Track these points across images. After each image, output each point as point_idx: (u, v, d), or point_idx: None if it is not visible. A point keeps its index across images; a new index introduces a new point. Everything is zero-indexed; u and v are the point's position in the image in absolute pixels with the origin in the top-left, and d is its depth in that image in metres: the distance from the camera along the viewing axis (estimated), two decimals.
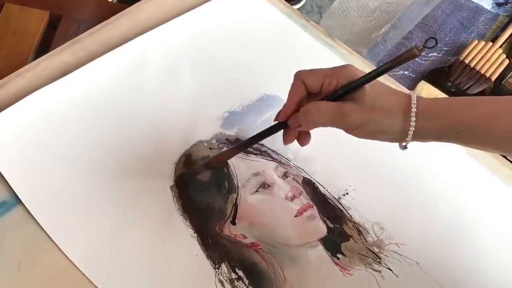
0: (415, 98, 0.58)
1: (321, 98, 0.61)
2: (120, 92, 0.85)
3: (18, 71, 0.79)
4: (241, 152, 0.78)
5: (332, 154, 0.84)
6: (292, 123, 0.61)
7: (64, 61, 0.83)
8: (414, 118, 0.58)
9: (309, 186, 0.79)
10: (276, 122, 0.65)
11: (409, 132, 0.59)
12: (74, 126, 0.79)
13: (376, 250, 0.74)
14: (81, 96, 0.82)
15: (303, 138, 0.65)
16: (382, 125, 0.59)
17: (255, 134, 0.68)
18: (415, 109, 0.57)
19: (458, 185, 0.85)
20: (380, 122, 0.59)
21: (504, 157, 0.87)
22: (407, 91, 0.61)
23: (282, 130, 0.66)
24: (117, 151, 0.78)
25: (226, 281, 0.68)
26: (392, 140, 0.61)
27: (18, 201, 0.70)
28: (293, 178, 0.78)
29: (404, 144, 0.60)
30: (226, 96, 0.85)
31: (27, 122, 0.77)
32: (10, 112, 0.77)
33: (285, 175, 0.77)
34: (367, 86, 0.59)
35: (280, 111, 0.63)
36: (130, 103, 0.84)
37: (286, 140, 0.64)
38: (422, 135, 0.59)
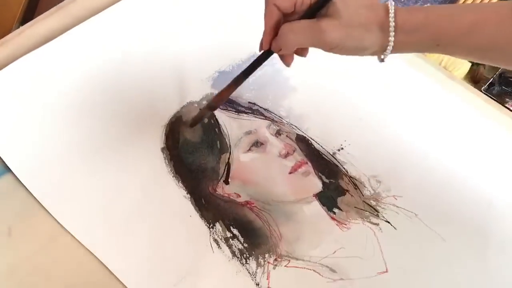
0: (393, 11, 0.56)
1: (298, 18, 0.58)
2: (108, 56, 0.83)
3: (2, 40, 0.77)
4: (232, 112, 0.76)
5: (325, 109, 0.83)
6: (274, 48, 0.60)
7: (49, 28, 0.81)
8: (393, 33, 0.56)
9: (303, 142, 0.77)
10: (262, 51, 0.63)
11: (388, 46, 0.57)
12: (61, 91, 0.78)
13: (373, 203, 0.73)
14: (68, 61, 0.81)
15: (287, 58, 0.64)
16: (360, 40, 0.57)
17: (245, 67, 0.66)
18: (394, 23, 0.56)
19: (454, 132, 0.84)
20: (359, 38, 0.57)
21: None
22: (383, 1, 0.58)
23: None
24: (106, 115, 0.77)
25: (221, 240, 0.67)
26: (372, 54, 0.60)
27: (7, 169, 0.68)
28: (287, 136, 0.77)
29: (382, 57, 0.58)
30: (216, 57, 0.83)
31: (13, 89, 0.76)
32: None
33: (278, 133, 0.76)
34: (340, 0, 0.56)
35: (261, 40, 0.62)
36: (118, 66, 0.82)
37: (285, 63, 0.65)
38: (401, 48, 0.58)
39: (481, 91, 0.90)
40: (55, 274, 0.63)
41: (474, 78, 0.92)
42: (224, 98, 0.70)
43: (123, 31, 0.85)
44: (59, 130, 0.74)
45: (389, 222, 0.71)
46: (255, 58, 0.65)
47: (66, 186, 0.69)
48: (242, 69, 0.67)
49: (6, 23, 0.83)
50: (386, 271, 0.68)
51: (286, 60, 0.62)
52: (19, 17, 0.85)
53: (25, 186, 0.68)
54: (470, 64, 0.93)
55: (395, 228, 0.71)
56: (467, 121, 0.86)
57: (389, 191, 0.74)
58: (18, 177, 0.68)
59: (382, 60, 0.59)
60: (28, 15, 0.85)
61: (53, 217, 0.66)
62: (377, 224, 0.71)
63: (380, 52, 0.59)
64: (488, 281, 0.70)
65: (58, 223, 0.66)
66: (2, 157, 0.69)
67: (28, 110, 0.74)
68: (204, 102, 0.78)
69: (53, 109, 0.75)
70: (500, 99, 0.87)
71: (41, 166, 0.70)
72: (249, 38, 0.77)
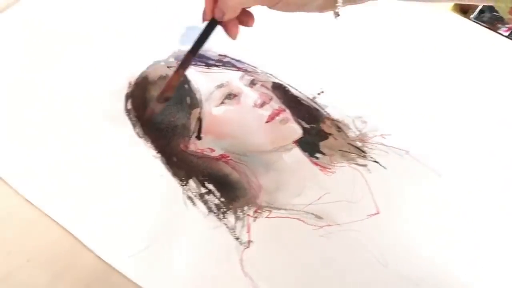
0: None
1: None
2: (65, 16, 0.81)
3: None
4: (202, 66, 0.72)
5: (303, 53, 0.79)
6: (217, 15, 0.54)
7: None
8: None
9: (280, 90, 0.73)
10: (206, 22, 0.58)
11: None
12: (19, 68, 0.75)
13: (359, 144, 0.67)
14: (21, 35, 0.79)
15: (231, 29, 0.57)
16: None
17: (192, 45, 0.60)
18: None
19: (442, 62, 0.81)
20: None
21: None
22: None
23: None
24: (63, 82, 0.74)
25: (195, 196, 0.63)
26: (321, 9, 0.55)
27: None
28: (262, 85, 0.72)
29: (336, 10, 0.52)
30: (184, 12, 0.78)
31: None
32: None
33: (252, 83, 0.71)
34: None
35: (203, 10, 0.55)
36: (77, 28, 0.80)
37: (230, 34, 0.58)
38: None
39: (470, 19, 0.81)
40: (18, 247, 0.60)
41: (463, 7, 0.85)
42: (175, 85, 0.64)
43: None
44: (17, 101, 0.72)
45: (377, 162, 0.66)
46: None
47: (25, 155, 0.67)
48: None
49: None
50: (378, 213, 0.63)
51: (231, 31, 0.57)
52: None
53: None
54: None
55: (384, 167, 0.66)
56: (456, 50, 0.82)
57: (376, 131, 0.69)
58: None
59: (337, 15, 0.54)
60: None
61: (13, 189, 0.63)
62: (365, 165, 0.66)
63: (331, 5, 0.54)
64: (490, 217, 0.66)
65: (20, 195, 0.63)
66: None
67: None
68: (171, 60, 0.73)
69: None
70: (492, 25, 0.80)
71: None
72: None
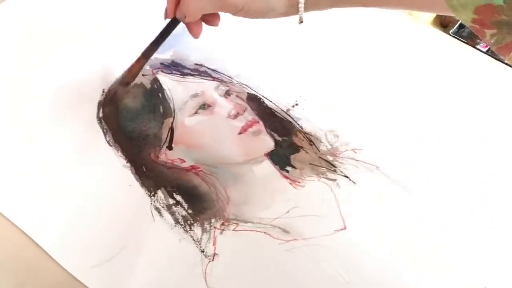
0: None
1: None
2: (39, 29, 0.81)
3: None
4: (177, 75, 0.72)
5: (278, 66, 0.79)
6: (179, 16, 0.55)
7: None
8: None
9: (254, 101, 0.72)
10: (168, 20, 0.60)
11: (300, 4, 0.53)
12: None
13: (330, 158, 0.67)
14: None
15: (194, 28, 0.57)
16: (266, 1, 0.54)
17: (155, 37, 0.63)
18: None
19: (420, 77, 0.81)
20: None
21: None
22: None
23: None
24: (34, 85, 0.75)
25: (163, 207, 0.63)
26: (283, 15, 0.56)
27: None
28: (237, 96, 0.72)
29: (300, 15, 0.52)
30: (161, 19, 0.77)
31: None
32: None
33: (227, 93, 0.71)
34: None
35: (165, 8, 0.56)
36: (52, 37, 0.80)
37: (193, 34, 0.58)
38: (314, 4, 0.54)
39: (449, 34, 0.82)
40: None
41: (443, 22, 0.86)
42: (136, 73, 0.66)
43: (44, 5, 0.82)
44: None
45: (347, 177, 0.66)
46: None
47: None
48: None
49: None
50: (344, 228, 0.62)
51: (193, 30, 0.58)
52: None
53: None
54: None
55: (354, 183, 0.66)
56: (435, 65, 0.82)
57: (347, 145, 0.69)
58: None
59: (301, 22, 0.55)
60: None
61: None
62: (334, 180, 0.66)
63: (293, 11, 0.55)
64: (457, 232, 0.66)
65: None
66: None
67: None
68: (147, 68, 0.74)
69: None
70: (471, 41, 0.80)
71: None
72: None
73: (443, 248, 0.62)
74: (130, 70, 0.64)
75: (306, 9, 0.53)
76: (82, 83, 0.74)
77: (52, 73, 0.74)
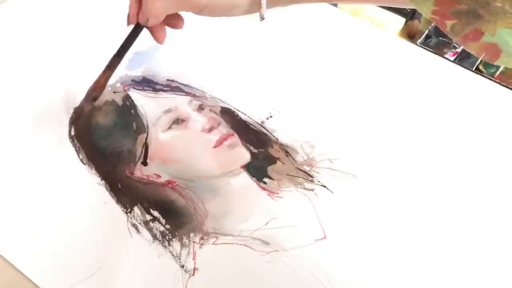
0: None
1: None
2: (6, 47, 0.81)
3: None
4: (149, 91, 0.71)
5: (251, 78, 0.79)
6: (142, 20, 0.54)
7: None
8: None
9: (228, 114, 0.72)
10: (132, 26, 0.59)
11: (262, 0, 0.53)
12: None
13: (307, 168, 0.67)
14: None
15: (158, 33, 0.58)
16: None
17: (118, 48, 0.62)
18: None
19: (390, 87, 0.82)
20: None
21: None
22: None
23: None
24: (4, 106, 0.73)
25: (140, 224, 0.61)
26: (247, 12, 0.55)
27: None
28: (210, 110, 0.71)
29: (262, 12, 0.52)
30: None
31: None
32: None
33: (200, 108, 0.70)
34: None
35: (127, 14, 0.55)
36: (18, 54, 0.80)
37: (156, 39, 0.56)
38: (276, 1, 0.54)
39: (417, 44, 0.83)
40: None
41: (410, 33, 0.87)
42: (102, 86, 0.65)
43: (23, 19, 0.84)
44: None
45: (325, 186, 0.66)
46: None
47: None
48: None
49: None
50: (324, 238, 0.62)
51: (157, 35, 0.58)
52: None
53: None
54: (404, 20, 0.87)
55: (332, 192, 0.65)
56: (403, 76, 0.83)
57: (324, 155, 0.69)
58: None
59: (262, 18, 0.55)
60: None
61: None
62: (312, 190, 0.65)
63: (254, 9, 0.55)
64: (440, 238, 0.66)
65: None
66: None
67: None
68: (118, 85, 0.72)
69: None
70: (439, 50, 0.81)
71: None
72: None
73: (425, 256, 0.61)
74: (95, 84, 0.63)
75: (268, 5, 0.53)
76: (54, 102, 0.73)
77: (23, 92, 0.75)
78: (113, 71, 0.62)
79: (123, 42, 0.60)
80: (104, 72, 0.62)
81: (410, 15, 0.89)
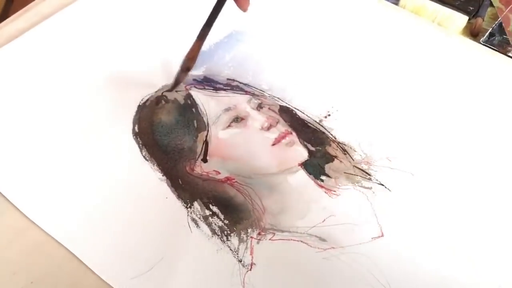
0: None
1: None
2: (75, 48, 0.83)
3: None
4: (210, 90, 0.73)
5: (310, 78, 0.80)
6: None
7: (18, 29, 0.80)
8: None
9: (287, 113, 0.73)
10: None
11: None
12: (27, 88, 0.77)
13: (365, 167, 0.67)
14: (34, 56, 0.81)
15: (242, 1, 0.62)
16: None
17: (207, 17, 0.66)
18: None
19: (452, 86, 0.80)
20: None
21: None
22: None
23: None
24: (73, 107, 0.76)
25: (199, 218, 0.63)
26: None
27: None
28: (269, 108, 0.72)
29: None
30: (192, 38, 0.79)
31: None
32: None
33: (259, 106, 0.72)
34: None
35: None
36: (86, 56, 0.82)
37: (241, 7, 0.62)
38: None
39: (480, 43, 0.81)
40: (23, 269, 0.60)
41: (473, 31, 0.86)
42: (195, 56, 0.69)
43: (91, 22, 0.86)
44: (23, 124, 0.73)
45: (383, 185, 0.65)
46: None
47: (33, 179, 0.68)
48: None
49: None
50: (382, 236, 0.61)
51: (241, 3, 0.58)
52: None
53: None
54: (467, 18, 0.86)
55: (389, 190, 0.65)
56: (467, 74, 0.81)
57: (382, 153, 0.70)
58: None
59: None
60: (2, 20, 0.82)
61: (20, 212, 0.64)
62: (370, 188, 0.65)
63: None
64: (498, 241, 0.64)
65: (26, 218, 0.64)
66: None
67: None
68: (180, 84, 0.73)
69: (19, 103, 0.75)
70: (502, 48, 0.80)
71: (6, 161, 0.69)
72: (226, 17, 0.73)
73: (485, 256, 0.61)
74: (188, 54, 0.68)
75: None
76: (118, 100, 0.76)
77: (89, 89, 0.78)
78: (203, 40, 0.66)
79: (211, 11, 0.63)
80: (196, 42, 0.66)
81: (473, 13, 0.87)
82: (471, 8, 0.88)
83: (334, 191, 0.65)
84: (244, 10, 0.59)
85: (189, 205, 0.64)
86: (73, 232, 0.63)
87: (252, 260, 0.60)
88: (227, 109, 0.71)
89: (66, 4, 0.83)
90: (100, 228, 0.63)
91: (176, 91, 0.73)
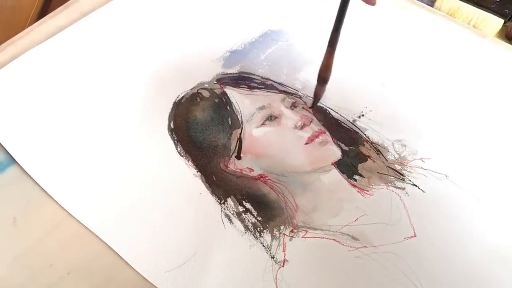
0: None
1: None
2: (114, 44, 0.84)
3: (11, 39, 0.79)
4: (245, 89, 0.75)
5: (344, 78, 0.80)
6: None
7: (58, 25, 0.82)
8: None
9: (321, 113, 0.74)
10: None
11: None
12: (67, 83, 0.79)
13: (398, 167, 0.67)
14: (75, 52, 0.82)
15: None
16: None
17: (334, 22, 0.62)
18: None
19: (488, 89, 0.80)
20: None
21: None
22: None
23: None
24: (113, 101, 0.77)
25: (233, 215, 0.63)
26: None
27: (13, 161, 0.67)
28: (303, 107, 0.73)
29: None
30: (227, 36, 0.80)
31: (18, 82, 0.77)
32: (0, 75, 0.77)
33: (293, 105, 0.72)
34: None
35: None
36: (125, 53, 0.83)
37: (369, 1, 0.59)
38: None
39: None
40: (60, 260, 0.62)
41: (508, 34, 0.85)
42: (328, 65, 0.67)
43: (130, 19, 0.87)
44: (63, 120, 0.75)
45: (416, 186, 0.65)
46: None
47: (71, 173, 0.69)
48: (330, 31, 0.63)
49: (18, 25, 0.83)
50: (414, 236, 0.62)
51: None
52: (31, 19, 0.85)
53: (30, 177, 0.68)
54: (502, 21, 0.85)
55: (423, 191, 0.65)
56: (502, 78, 0.80)
57: (415, 154, 0.69)
58: (23, 167, 0.67)
59: None
60: (41, 17, 0.84)
61: (58, 204, 0.66)
62: (403, 189, 0.65)
63: None
64: None
65: (64, 210, 0.65)
66: (7, 150, 0.70)
67: (32, 102, 0.76)
68: (214, 82, 0.75)
69: (58, 100, 0.77)
70: None
71: (46, 155, 0.71)
72: (259, 15, 0.74)
73: None
74: (323, 64, 0.66)
75: None
76: (154, 97, 0.78)
77: (127, 84, 0.79)
78: (334, 47, 0.63)
79: (337, 15, 0.60)
80: (327, 52, 0.64)
81: (509, 15, 0.86)
82: (507, 11, 0.87)
83: (367, 190, 0.66)
84: (372, 4, 0.58)
85: (222, 201, 0.65)
86: (109, 225, 0.64)
87: (284, 256, 0.61)
88: (261, 108, 0.72)
89: (105, 1, 0.84)
90: (135, 222, 0.64)
91: (212, 89, 0.74)
